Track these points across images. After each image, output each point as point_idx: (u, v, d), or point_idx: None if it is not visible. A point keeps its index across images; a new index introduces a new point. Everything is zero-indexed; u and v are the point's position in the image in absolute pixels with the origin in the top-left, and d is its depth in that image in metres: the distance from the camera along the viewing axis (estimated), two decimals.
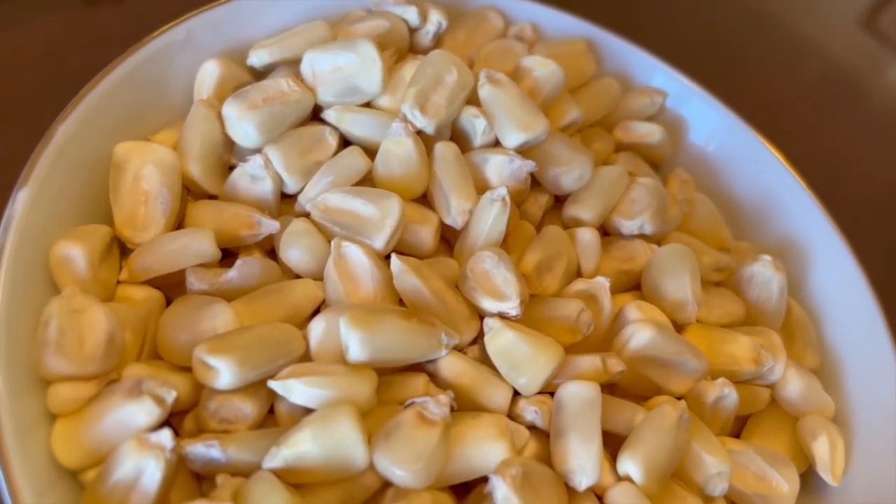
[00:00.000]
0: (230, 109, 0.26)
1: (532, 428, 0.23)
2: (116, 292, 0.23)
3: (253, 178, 0.26)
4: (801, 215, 0.31)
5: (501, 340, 0.23)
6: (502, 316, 0.23)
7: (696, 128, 0.33)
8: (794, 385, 0.27)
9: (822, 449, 0.25)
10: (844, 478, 0.26)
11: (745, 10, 0.59)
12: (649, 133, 0.31)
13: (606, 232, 0.29)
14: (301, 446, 0.20)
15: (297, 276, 0.25)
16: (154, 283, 0.24)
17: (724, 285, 0.29)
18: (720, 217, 0.31)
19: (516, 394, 0.23)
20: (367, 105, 0.28)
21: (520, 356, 0.23)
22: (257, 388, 0.21)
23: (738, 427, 0.27)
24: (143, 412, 0.20)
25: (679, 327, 0.26)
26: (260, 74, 0.29)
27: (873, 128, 0.54)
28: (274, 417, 0.22)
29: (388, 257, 0.24)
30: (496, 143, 0.28)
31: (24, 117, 0.35)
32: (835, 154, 0.50)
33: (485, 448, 0.21)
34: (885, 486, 0.25)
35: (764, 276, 0.28)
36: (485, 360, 0.24)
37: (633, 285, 0.28)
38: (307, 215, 0.25)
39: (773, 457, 0.25)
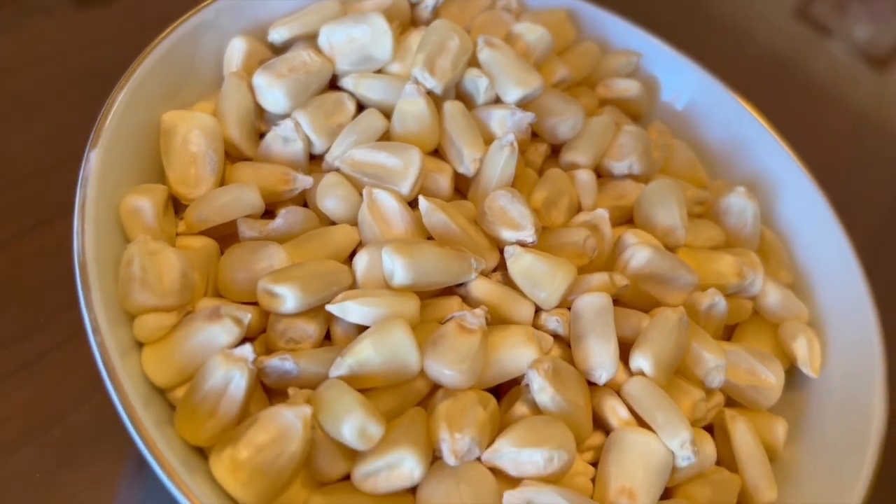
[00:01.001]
0: (260, 80, 0.29)
1: (554, 337, 0.26)
2: (177, 243, 0.26)
3: (285, 141, 0.29)
4: (768, 154, 0.35)
5: (522, 263, 0.26)
6: (521, 244, 0.27)
7: (668, 84, 0.37)
8: (773, 296, 0.30)
9: (802, 347, 0.29)
10: (822, 371, 0.30)
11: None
12: (628, 88, 0.35)
13: (599, 175, 0.32)
14: (363, 354, 0.23)
15: (333, 224, 0.28)
16: (207, 234, 0.27)
17: (704, 217, 0.33)
18: (696, 159, 0.35)
19: (538, 310, 0.27)
20: (380, 72, 0.31)
21: (539, 275, 0.26)
22: (316, 312, 0.24)
23: (727, 335, 0.31)
24: (224, 332, 0.23)
25: (670, 251, 0.30)
26: (279, 50, 0.32)
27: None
28: (330, 342, 0.25)
29: (411, 204, 0.27)
30: (497, 101, 0.31)
31: (32, 115, 0.38)
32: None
33: (517, 352, 0.25)
34: (856, 376, 0.29)
35: (739, 205, 0.32)
36: (507, 284, 0.27)
37: (627, 219, 0.31)
38: (334, 172, 0.28)
39: (760, 354, 0.28)
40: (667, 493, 0.25)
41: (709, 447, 0.25)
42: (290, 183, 0.28)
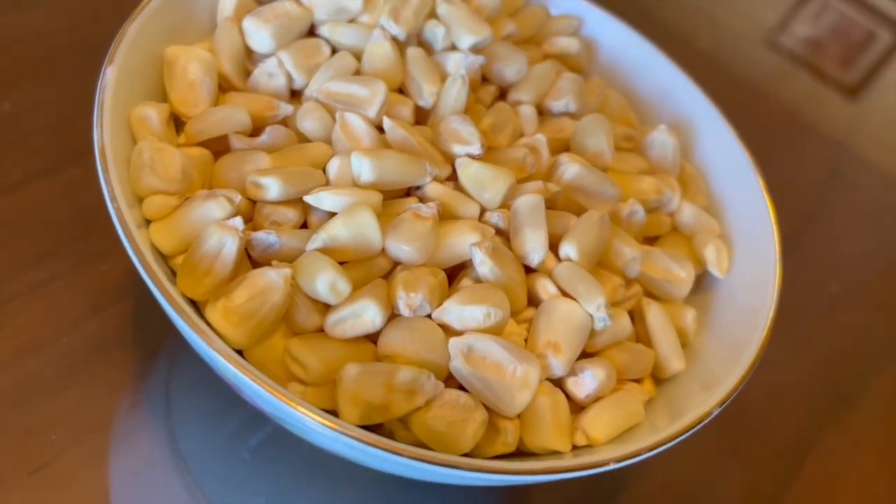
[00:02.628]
0: (249, 23, 0.34)
1: (497, 231, 0.31)
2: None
3: (270, 76, 0.34)
4: (690, 103, 0.40)
5: (470, 169, 0.31)
6: (469, 156, 0.32)
7: (606, 47, 0.43)
8: (688, 212, 0.36)
9: (711, 252, 0.34)
10: (728, 274, 0.35)
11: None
12: (569, 45, 0.40)
13: (541, 113, 0.37)
14: (334, 230, 0.28)
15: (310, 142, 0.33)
16: (204, 146, 0.32)
17: (633, 151, 0.38)
18: (628, 106, 0.40)
19: (484, 211, 0.31)
20: (352, 21, 0.36)
21: (484, 178, 0.31)
22: (295, 202, 0.29)
23: (650, 244, 0.36)
24: (219, 207, 0.27)
25: None
26: (265, 2, 0.37)
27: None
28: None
29: (378, 129, 0.32)
30: (453, 48, 0.36)
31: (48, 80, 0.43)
32: None
33: (463, 238, 0.29)
34: (755, 282, 0.34)
35: (661, 139, 0.37)
36: (458, 190, 0.32)
37: (564, 150, 0.36)
38: (312, 101, 0.33)
39: (673, 255, 0.33)
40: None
41: (624, 320, 0.30)
42: (275, 109, 0.33)
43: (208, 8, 0.36)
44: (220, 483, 0.33)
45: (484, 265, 0.29)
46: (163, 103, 0.31)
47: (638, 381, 0.31)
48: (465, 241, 0.29)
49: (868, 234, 0.59)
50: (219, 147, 0.32)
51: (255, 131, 0.33)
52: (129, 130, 0.30)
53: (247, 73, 0.35)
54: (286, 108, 0.33)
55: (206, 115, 0.31)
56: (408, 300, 0.27)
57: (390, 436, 0.27)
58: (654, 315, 0.31)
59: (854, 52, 0.74)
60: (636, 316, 0.32)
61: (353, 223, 0.28)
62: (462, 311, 0.27)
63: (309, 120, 0.32)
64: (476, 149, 0.32)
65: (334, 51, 0.36)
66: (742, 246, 0.35)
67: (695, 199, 0.37)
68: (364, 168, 0.29)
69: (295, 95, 0.35)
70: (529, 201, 0.31)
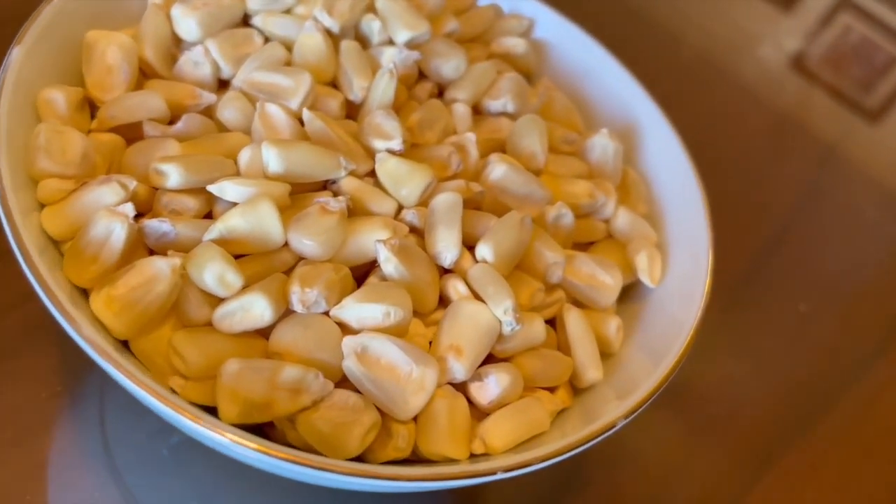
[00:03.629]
0: (177, 10, 0.33)
1: (413, 230, 0.30)
2: (89, 136, 0.30)
3: (195, 64, 0.33)
4: (640, 109, 0.39)
5: (388, 165, 0.30)
6: (389, 151, 0.31)
7: (560, 50, 0.42)
8: (623, 218, 0.34)
9: (643, 260, 0.33)
10: (661, 285, 0.33)
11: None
12: (516, 45, 0.39)
13: (479, 113, 0.36)
14: (231, 221, 0.27)
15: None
16: (118, 132, 0.31)
17: (574, 156, 0.37)
18: (574, 109, 0.39)
19: (402, 208, 0.30)
20: (288, 13, 0.35)
21: (401, 174, 0.30)
22: (199, 192, 0.28)
23: (583, 251, 0.34)
24: (111, 193, 0.26)
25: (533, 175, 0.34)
26: None
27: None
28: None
29: (301, 121, 0.31)
30: (390, 43, 0.36)
31: None
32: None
33: (373, 235, 0.28)
34: (686, 293, 0.32)
35: (602, 144, 0.36)
36: (376, 186, 0.31)
37: (500, 151, 0.35)
38: (235, 90, 0.33)
39: (601, 261, 0.32)
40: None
41: (538, 325, 0.29)
42: (197, 98, 0.32)
43: None
44: (144, 481, 0.32)
45: (388, 263, 0.27)
46: (75, 87, 0.30)
47: (552, 389, 0.30)
48: (374, 238, 0.28)
49: (843, 254, 0.58)
50: (137, 134, 0.31)
51: (176, 120, 0.32)
52: (36, 113, 0.29)
53: (173, 61, 0.34)
54: (209, 97, 0.32)
55: (119, 100, 0.31)
56: (302, 296, 0.26)
57: (282, 436, 0.26)
58: (573, 322, 0.30)
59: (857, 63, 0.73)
60: (558, 323, 0.31)
61: (252, 214, 0.27)
62: (360, 310, 0.26)
63: (229, 109, 0.32)
64: (396, 144, 0.31)
65: (268, 42, 0.35)
66: (678, 256, 0.34)
67: (635, 206, 0.36)
68: (271, 158, 0.28)
69: (224, 86, 0.34)
70: (446, 200, 0.30)
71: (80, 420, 0.32)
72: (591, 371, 0.30)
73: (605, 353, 0.32)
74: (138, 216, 0.28)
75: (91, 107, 0.32)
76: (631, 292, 0.34)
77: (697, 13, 0.71)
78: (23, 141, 0.28)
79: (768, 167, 0.62)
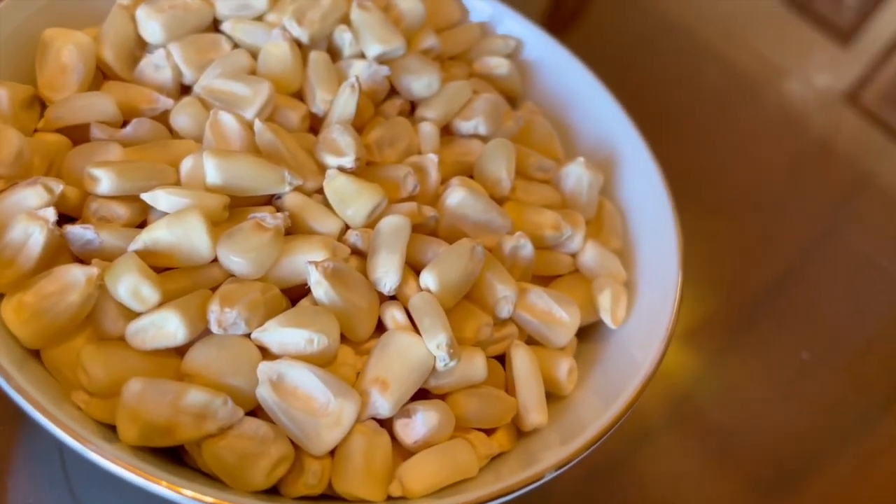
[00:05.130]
0: (142, 12, 0.32)
1: (356, 252, 0.29)
2: (34, 136, 0.29)
3: (156, 67, 0.32)
4: (626, 142, 0.37)
5: (336, 183, 0.29)
6: (341, 168, 0.29)
7: (547, 73, 0.40)
8: (591, 253, 0.32)
9: (606, 299, 0.31)
10: (625, 325, 0.31)
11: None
12: (499, 65, 0.38)
13: (451, 133, 0.35)
14: (156, 233, 0.26)
15: None
16: (66, 134, 0.30)
17: (546, 184, 0.35)
18: (555, 136, 0.37)
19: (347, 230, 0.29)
20: (259, 20, 0.34)
21: (348, 193, 0.29)
22: (133, 200, 0.27)
23: (544, 286, 0.33)
24: (34, 195, 0.25)
25: (497, 202, 0.32)
26: None
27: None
28: None
29: None
30: (362, 57, 0.34)
31: None
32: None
33: (309, 255, 0.27)
34: (650, 335, 0.30)
35: (577, 173, 0.34)
36: (325, 204, 0.29)
37: (469, 175, 0.34)
38: (191, 97, 0.32)
39: (559, 297, 0.30)
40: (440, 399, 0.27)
41: (478, 362, 0.27)
42: (153, 103, 0.31)
43: None
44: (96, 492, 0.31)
45: (319, 286, 0.26)
46: (23, 85, 0.30)
47: (491, 431, 0.28)
48: (309, 259, 0.27)
49: (853, 302, 0.55)
50: (86, 137, 0.30)
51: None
52: None
53: (137, 62, 0.33)
54: (166, 102, 0.31)
55: (68, 101, 0.30)
56: (220, 315, 0.25)
57: (193, 462, 0.25)
58: (520, 360, 0.28)
59: None
60: (507, 360, 0.29)
61: (179, 227, 0.26)
62: (282, 334, 0.25)
63: (182, 116, 0.31)
64: (348, 161, 0.29)
65: (236, 49, 0.34)
66: (646, 296, 0.32)
67: (607, 240, 0.34)
68: (209, 168, 0.27)
69: (186, 91, 0.33)
70: (392, 223, 0.28)
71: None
72: (534, 414, 0.28)
73: (557, 396, 0.30)
74: (71, 221, 0.27)
75: (44, 107, 0.31)
76: (593, 332, 0.32)
77: (723, 42, 0.69)
78: None
79: (784, 204, 0.59)
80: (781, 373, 0.48)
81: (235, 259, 0.26)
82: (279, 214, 0.27)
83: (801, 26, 0.73)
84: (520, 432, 0.29)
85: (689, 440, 0.43)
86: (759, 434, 0.45)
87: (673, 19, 0.69)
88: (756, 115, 0.65)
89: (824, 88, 0.70)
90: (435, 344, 0.26)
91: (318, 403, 0.24)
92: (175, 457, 0.26)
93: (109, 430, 0.24)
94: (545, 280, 0.32)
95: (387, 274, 0.27)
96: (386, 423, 0.26)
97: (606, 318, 0.31)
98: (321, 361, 0.25)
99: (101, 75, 0.32)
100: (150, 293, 0.24)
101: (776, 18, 0.73)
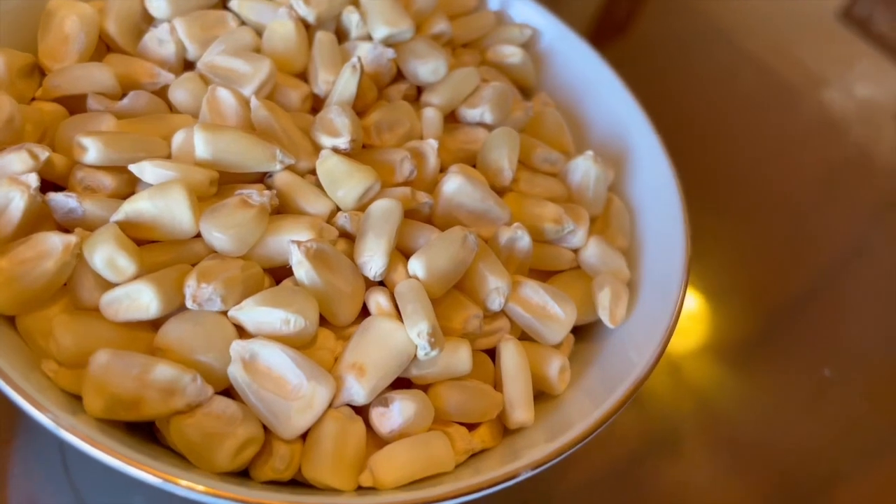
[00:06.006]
0: None
1: (346, 235, 0.28)
2: (31, 104, 0.29)
3: (160, 42, 0.32)
4: (640, 138, 0.36)
5: (328, 163, 0.28)
6: (335, 149, 0.29)
7: (564, 64, 0.39)
8: (594, 249, 0.31)
9: (605, 297, 0.30)
10: (624, 326, 0.30)
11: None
12: (512, 54, 0.37)
13: (457, 120, 0.34)
14: (139, 203, 0.25)
15: None
16: (64, 103, 0.30)
17: (553, 176, 0.34)
18: (566, 128, 0.36)
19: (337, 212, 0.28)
20: None
21: (339, 174, 0.28)
22: (120, 171, 0.27)
23: (543, 281, 0.31)
24: (19, 160, 0.25)
25: (498, 192, 0.31)
26: None
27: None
28: None
29: None
30: (369, 39, 0.34)
31: None
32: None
33: (294, 235, 0.26)
34: (648, 336, 0.29)
35: (584, 167, 0.33)
36: (320, 186, 0.29)
37: (472, 163, 0.33)
38: (192, 72, 0.31)
39: (555, 292, 0.29)
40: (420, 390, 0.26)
41: (463, 354, 0.26)
42: (154, 77, 0.31)
43: None
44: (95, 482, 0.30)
45: (300, 267, 0.25)
46: (23, 53, 0.30)
47: (474, 426, 0.27)
48: (293, 238, 0.26)
49: (880, 321, 0.53)
50: (83, 108, 0.30)
51: None
52: None
53: (142, 36, 0.33)
54: (167, 77, 0.31)
55: (66, 70, 0.30)
56: (196, 290, 0.24)
57: (164, 439, 0.24)
58: (509, 356, 0.27)
59: None
60: (497, 354, 0.28)
61: (161, 199, 0.25)
62: (258, 313, 0.24)
63: (181, 91, 0.30)
64: (343, 142, 0.29)
65: (242, 26, 0.33)
66: (648, 296, 0.31)
67: (613, 237, 0.33)
68: (198, 143, 0.27)
69: (190, 67, 0.33)
70: (383, 206, 0.27)
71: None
72: (520, 411, 0.27)
73: (547, 395, 0.29)
74: (61, 190, 0.27)
75: (44, 76, 0.31)
76: (592, 331, 0.31)
77: (767, 48, 0.67)
78: None
79: (816, 216, 0.57)
80: (802, 388, 0.47)
81: (217, 235, 0.25)
82: (266, 192, 0.26)
83: (850, 39, 0.71)
84: (506, 430, 0.28)
85: (707, 451, 0.41)
86: (778, 449, 0.43)
87: (723, 24, 0.67)
88: (792, 123, 0.63)
89: (866, 100, 0.68)
90: (416, 332, 0.25)
91: (290, 386, 0.24)
92: (150, 434, 0.25)
93: (77, 400, 0.23)
94: (544, 275, 0.31)
95: (373, 258, 0.26)
96: (363, 411, 0.25)
97: (605, 317, 0.30)
98: (297, 343, 0.25)
99: (105, 48, 0.32)
100: (126, 264, 0.24)
101: (826, 30, 0.71)
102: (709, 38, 0.67)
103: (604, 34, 0.63)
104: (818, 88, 0.67)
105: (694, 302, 0.46)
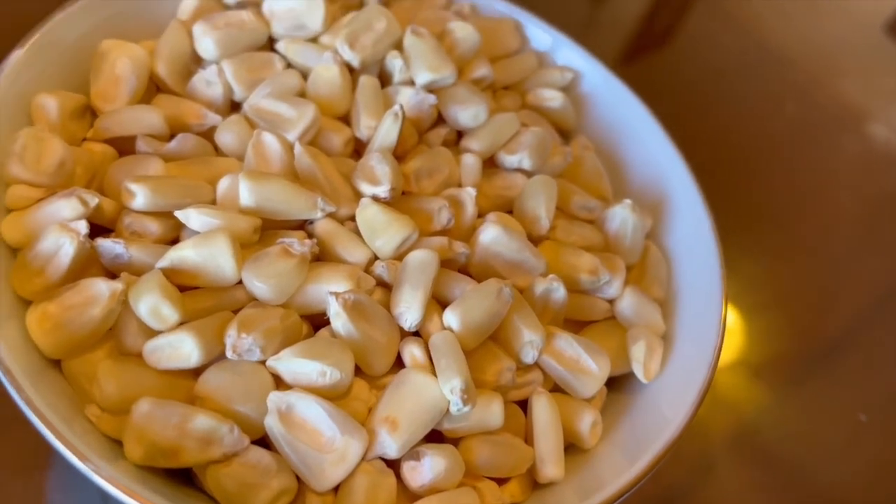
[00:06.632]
0: (198, 28, 0.33)
1: (382, 284, 0.28)
2: (82, 145, 0.30)
3: (208, 83, 0.33)
4: (681, 188, 0.35)
5: (368, 212, 0.28)
6: (375, 198, 0.29)
7: (604, 108, 0.39)
8: (629, 301, 0.31)
9: (639, 350, 0.30)
10: (657, 380, 0.30)
11: None
12: (553, 98, 0.37)
13: (495, 165, 0.34)
14: (183, 251, 0.26)
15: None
16: (114, 145, 0.30)
17: (590, 224, 0.34)
18: (604, 173, 0.36)
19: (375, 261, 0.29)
20: (314, 41, 0.34)
21: (378, 224, 0.28)
22: (166, 216, 0.27)
23: (577, 331, 0.31)
24: (69, 207, 0.26)
25: (534, 241, 0.31)
26: (231, 9, 0.36)
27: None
28: None
29: None
30: (412, 83, 0.34)
31: None
32: None
33: (332, 284, 0.27)
34: (682, 391, 0.29)
35: (622, 216, 0.33)
36: (356, 232, 0.29)
37: (509, 210, 0.33)
38: (238, 114, 0.32)
39: (588, 345, 0.29)
40: (452, 444, 0.26)
41: (495, 408, 0.27)
42: (202, 118, 0.32)
43: (170, 10, 0.35)
44: None
45: (338, 318, 0.26)
46: (76, 94, 0.30)
47: (504, 480, 0.27)
48: (331, 289, 0.27)
49: None
50: (133, 149, 0.31)
51: None
52: (29, 119, 0.29)
53: (191, 76, 0.34)
54: (213, 119, 0.32)
55: (116, 112, 0.30)
56: (236, 341, 0.25)
57: (201, 484, 0.25)
58: (540, 409, 0.28)
59: None
60: (529, 407, 0.28)
61: (206, 247, 0.26)
62: (296, 364, 0.25)
63: (227, 133, 0.31)
64: (383, 191, 0.29)
65: (289, 68, 0.34)
66: (683, 349, 0.31)
67: (649, 288, 0.33)
68: (243, 190, 0.27)
69: (236, 108, 0.33)
70: (419, 257, 0.28)
71: None
72: (550, 467, 0.27)
73: (580, 448, 0.29)
74: (108, 233, 0.28)
75: (95, 117, 0.31)
76: (624, 382, 0.31)
77: (811, 76, 0.66)
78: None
79: (855, 256, 0.56)
80: (836, 432, 0.46)
81: (259, 284, 0.26)
82: (307, 241, 0.27)
83: None
84: (536, 484, 0.28)
85: (739, 469, 0.41)
86: (815, 496, 0.43)
87: (767, 43, 0.66)
88: (833, 158, 0.62)
89: None
90: (449, 388, 0.25)
91: (324, 438, 0.24)
92: (188, 478, 0.26)
93: (118, 445, 0.24)
94: (579, 325, 0.31)
95: (409, 310, 0.27)
96: (395, 464, 0.26)
97: (638, 371, 0.30)
98: (333, 395, 0.25)
99: (154, 88, 0.33)
100: (170, 313, 0.24)
101: (878, 58, 0.70)
102: (750, 57, 0.66)
103: (642, 47, 0.62)
104: (863, 122, 0.66)
105: (742, 327, 0.46)
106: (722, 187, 0.53)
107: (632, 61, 0.60)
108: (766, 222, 0.54)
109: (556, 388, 0.29)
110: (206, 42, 0.33)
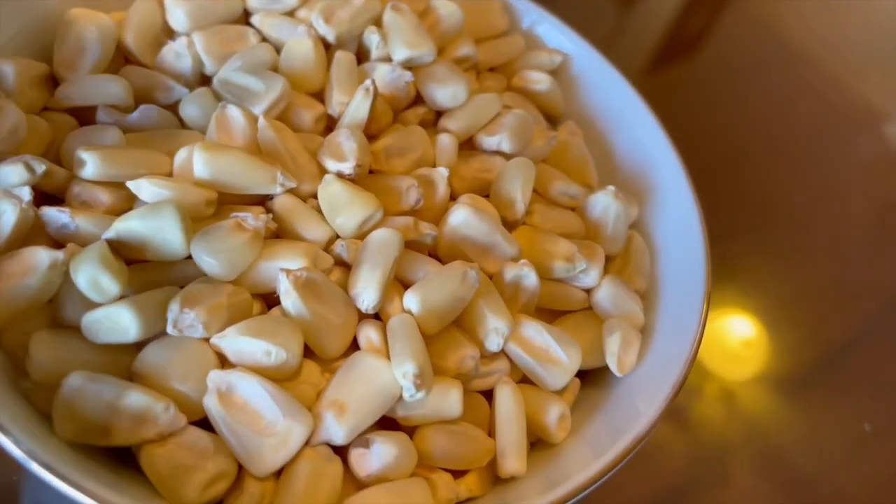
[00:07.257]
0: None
1: (342, 263, 0.27)
2: (41, 115, 0.29)
3: (177, 55, 0.32)
4: (669, 176, 0.34)
5: (330, 189, 0.27)
6: (339, 174, 0.28)
7: (595, 92, 0.37)
8: (607, 291, 0.30)
9: (615, 343, 0.28)
10: (633, 373, 0.29)
11: None
12: (539, 80, 0.35)
13: (474, 148, 0.33)
14: (130, 222, 0.24)
15: None
16: (76, 115, 0.30)
17: (571, 211, 0.33)
18: (590, 160, 0.35)
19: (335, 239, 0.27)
20: (290, 15, 0.33)
21: (340, 201, 0.27)
22: (119, 187, 0.26)
23: (551, 321, 0.30)
24: (15, 173, 0.25)
25: (510, 226, 0.30)
26: None
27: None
28: None
29: None
30: (389, 60, 0.33)
31: None
32: None
33: (289, 263, 0.26)
34: (657, 385, 0.27)
35: (605, 203, 0.32)
36: (318, 210, 0.28)
37: (487, 193, 0.32)
38: (206, 88, 0.31)
39: (560, 335, 0.28)
40: (406, 432, 0.25)
41: (453, 396, 0.25)
42: (168, 91, 0.31)
43: None
44: None
45: (288, 296, 0.25)
46: (36, 62, 0.30)
47: (460, 472, 0.26)
48: (284, 266, 0.25)
49: None
50: (94, 119, 0.30)
51: None
52: None
53: (161, 48, 0.33)
54: (180, 91, 0.31)
55: (79, 81, 0.29)
56: (177, 316, 0.23)
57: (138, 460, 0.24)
58: (504, 399, 0.26)
59: None
60: (494, 398, 0.27)
61: (153, 219, 0.24)
62: (240, 343, 0.24)
63: (192, 106, 0.30)
64: (347, 167, 0.28)
65: (263, 42, 0.33)
66: (661, 343, 0.29)
67: (631, 278, 0.31)
68: (197, 162, 0.26)
69: (207, 82, 0.32)
70: (382, 237, 0.26)
71: None
72: (511, 460, 0.25)
73: (548, 442, 0.27)
74: (60, 203, 0.27)
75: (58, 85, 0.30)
76: (600, 376, 0.30)
77: (817, 78, 0.64)
78: None
79: (866, 259, 0.54)
80: (841, 441, 0.44)
81: (208, 259, 0.25)
82: (262, 216, 0.26)
83: None
84: (497, 478, 0.27)
85: (756, 481, 0.40)
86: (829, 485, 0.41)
87: (803, 47, 0.64)
88: (849, 160, 0.60)
89: None
90: (402, 372, 0.24)
91: (265, 421, 0.23)
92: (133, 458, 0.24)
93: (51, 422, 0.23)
94: (553, 315, 0.30)
95: (365, 290, 0.25)
96: (344, 452, 0.24)
97: (613, 365, 0.28)
98: (279, 376, 0.24)
99: (123, 60, 0.32)
100: (109, 285, 0.23)
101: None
102: (784, 62, 0.64)
103: (673, 51, 0.61)
104: (879, 123, 0.64)
105: (749, 330, 0.45)
106: (730, 186, 0.51)
107: (658, 66, 0.58)
108: (770, 220, 0.52)
109: (524, 380, 0.28)
110: (177, 13, 0.32)
